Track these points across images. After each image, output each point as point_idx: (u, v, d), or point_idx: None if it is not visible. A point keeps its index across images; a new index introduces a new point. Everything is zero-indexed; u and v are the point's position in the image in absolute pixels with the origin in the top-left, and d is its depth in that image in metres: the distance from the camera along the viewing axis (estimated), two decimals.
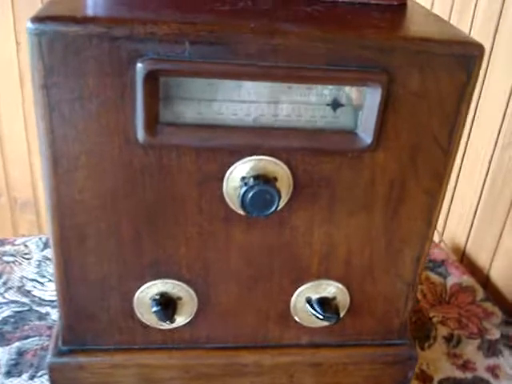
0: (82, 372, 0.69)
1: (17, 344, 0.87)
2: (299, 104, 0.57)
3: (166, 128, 0.55)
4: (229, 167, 0.58)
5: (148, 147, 0.56)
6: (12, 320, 0.90)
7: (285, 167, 0.59)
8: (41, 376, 0.82)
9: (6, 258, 1.02)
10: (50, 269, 1.00)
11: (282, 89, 0.56)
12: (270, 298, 0.68)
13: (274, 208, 0.57)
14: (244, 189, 0.57)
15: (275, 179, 0.58)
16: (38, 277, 0.99)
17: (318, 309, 0.67)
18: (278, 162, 0.58)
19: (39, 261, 1.02)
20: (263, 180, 0.57)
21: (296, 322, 0.70)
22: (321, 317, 0.67)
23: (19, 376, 0.82)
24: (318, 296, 0.68)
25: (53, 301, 0.94)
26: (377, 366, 0.76)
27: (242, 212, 0.60)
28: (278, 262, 0.65)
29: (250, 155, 0.58)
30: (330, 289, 0.68)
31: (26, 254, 1.03)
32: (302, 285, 0.67)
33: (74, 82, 0.53)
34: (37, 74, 0.52)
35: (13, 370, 0.83)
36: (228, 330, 0.70)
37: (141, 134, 0.55)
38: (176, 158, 0.57)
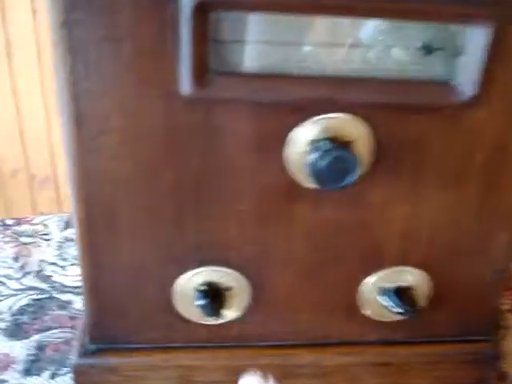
0: (113, 375, 0.58)
1: (36, 337, 0.76)
2: (383, 47, 0.45)
3: (217, 78, 0.44)
4: (294, 128, 0.47)
5: (194, 102, 0.45)
6: (30, 309, 0.80)
7: (364, 128, 0.47)
8: (64, 374, 0.72)
9: (23, 239, 0.91)
10: (72, 251, 0.89)
11: (363, 28, 0.44)
12: (335, 287, 0.57)
13: (352, 179, 0.46)
14: (315, 155, 0.45)
15: (351, 143, 0.47)
16: (58, 260, 0.88)
17: (394, 301, 0.56)
18: (356, 121, 0.47)
19: (60, 242, 0.91)
20: (340, 144, 0.45)
21: (364, 315, 0.59)
22: (400, 310, 0.56)
23: (39, 375, 0.71)
24: (393, 285, 0.57)
25: (76, 287, 0.84)
26: (452, 366, 0.65)
27: (309, 185, 0.49)
28: (349, 245, 0.54)
29: (322, 113, 0.46)
30: (409, 277, 0.57)
31: (45, 234, 0.93)
32: (376, 272, 0.56)
33: (102, 19, 0.42)
34: (55, 8, 0.41)
35: (32, 368, 0.72)
36: (284, 326, 0.59)
37: (186, 86, 0.44)
38: (229, 116, 0.46)
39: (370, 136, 0.48)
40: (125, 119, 0.45)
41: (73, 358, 0.58)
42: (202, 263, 0.53)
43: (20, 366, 0.72)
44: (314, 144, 0.46)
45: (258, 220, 0.51)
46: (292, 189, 0.50)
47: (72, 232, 0.93)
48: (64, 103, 0.45)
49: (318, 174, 0.46)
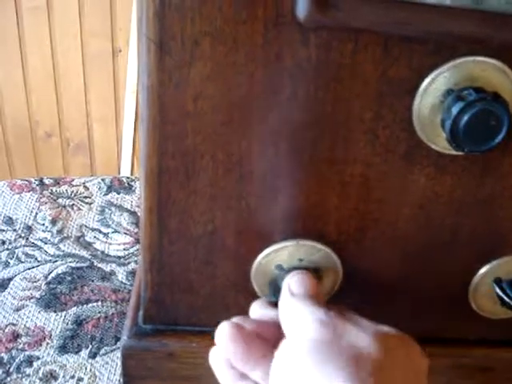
0: (170, 361, 0.49)
1: (74, 310, 0.68)
2: None
3: (344, 1, 0.34)
4: (430, 73, 0.37)
5: (310, 31, 0.36)
6: (68, 278, 0.71)
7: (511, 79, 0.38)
8: (105, 354, 0.63)
9: (61, 201, 0.83)
10: (116, 217, 0.81)
11: None
12: (444, 275, 0.47)
13: (499, 140, 0.36)
14: (456, 107, 0.36)
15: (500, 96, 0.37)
16: (100, 226, 0.79)
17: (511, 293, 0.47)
18: (505, 69, 0.37)
19: (102, 207, 0.83)
20: (489, 95, 0.36)
21: (472, 310, 0.50)
22: None
23: (77, 353, 0.63)
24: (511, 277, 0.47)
25: (119, 257, 0.75)
26: None
27: (435, 145, 0.39)
28: (468, 225, 0.44)
29: (465, 55, 0.37)
30: None
31: (86, 197, 0.84)
32: (495, 259, 0.46)
33: None
34: None
35: (69, 344, 0.64)
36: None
37: (303, 8, 0.34)
38: (351, 52, 0.36)
39: None
40: (218, 46, 0.36)
41: (123, 339, 0.49)
42: (290, 235, 0.44)
43: (55, 342, 0.64)
44: (455, 93, 0.36)
45: (365, 187, 0.42)
46: (413, 150, 0.40)
47: (116, 196, 0.84)
48: (143, 21, 0.35)
49: (456, 131, 0.36)
